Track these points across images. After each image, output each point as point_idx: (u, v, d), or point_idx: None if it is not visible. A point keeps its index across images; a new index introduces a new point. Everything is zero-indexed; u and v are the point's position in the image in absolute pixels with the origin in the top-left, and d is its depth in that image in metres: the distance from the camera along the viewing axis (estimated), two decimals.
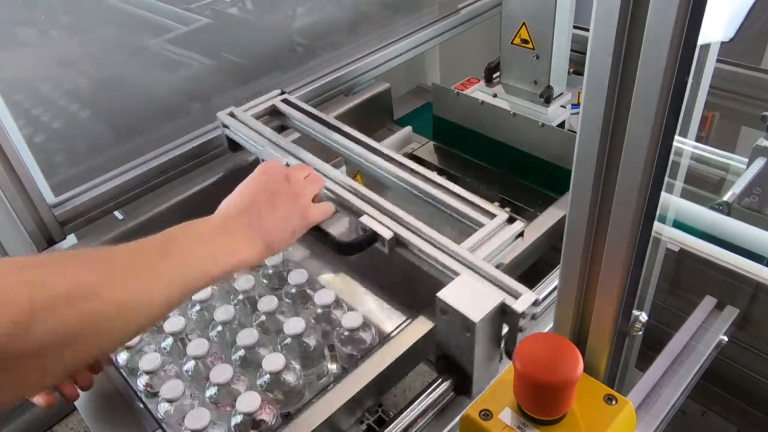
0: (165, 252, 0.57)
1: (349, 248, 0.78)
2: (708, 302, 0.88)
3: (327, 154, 0.93)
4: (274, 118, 1.06)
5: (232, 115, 1.02)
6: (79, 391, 0.72)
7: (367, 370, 0.72)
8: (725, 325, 0.85)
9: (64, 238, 0.97)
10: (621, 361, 0.59)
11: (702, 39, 0.38)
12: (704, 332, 0.84)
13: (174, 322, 0.77)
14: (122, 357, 0.77)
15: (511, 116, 1.10)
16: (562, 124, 1.16)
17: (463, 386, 0.72)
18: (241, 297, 0.82)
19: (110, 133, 1.06)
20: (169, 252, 0.57)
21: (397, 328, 0.79)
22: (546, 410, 0.52)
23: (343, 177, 0.86)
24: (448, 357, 0.72)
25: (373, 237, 0.78)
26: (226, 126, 1.02)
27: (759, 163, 0.97)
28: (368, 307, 0.90)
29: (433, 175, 0.86)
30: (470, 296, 0.67)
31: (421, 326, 0.78)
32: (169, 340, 0.78)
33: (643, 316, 0.55)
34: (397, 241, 0.78)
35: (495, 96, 1.22)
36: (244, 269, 0.66)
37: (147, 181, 1.04)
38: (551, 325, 0.62)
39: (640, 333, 0.56)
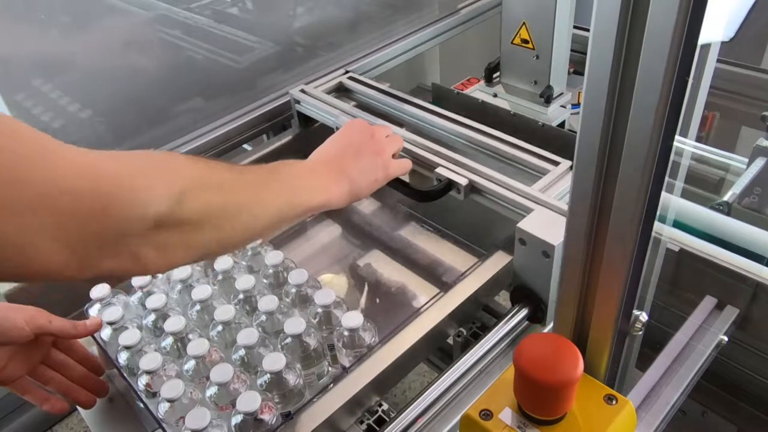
0: (275, 175, 0.67)
1: (428, 196, 0.89)
2: (708, 302, 0.88)
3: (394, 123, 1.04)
4: (342, 93, 1.17)
5: (303, 91, 1.13)
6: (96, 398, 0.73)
7: (367, 370, 0.72)
8: (725, 325, 0.85)
9: None
10: (621, 361, 0.59)
11: (702, 39, 0.38)
12: (704, 332, 0.84)
13: (174, 322, 0.77)
14: (122, 357, 0.77)
15: (511, 116, 1.10)
16: (562, 124, 1.16)
17: (537, 315, 0.80)
18: (241, 297, 0.82)
19: (110, 134, 1.06)
20: (277, 175, 0.67)
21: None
22: (546, 410, 0.52)
23: (416, 137, 0.96)
24: (524, 287, 0.81)
25: (450, 185, 0.87)
26: (297, 101, 1.12)
27: (759, 163, 0.98)
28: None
29: (498, 132, 0.96)
30: (547, 225, 0.75)
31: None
32: (169, 340, 0.77)
33: (643, 316, 0.55)
34: (472, 187, 0.87)
35: (495, 96, 1.22)
36: (333, 207, 0.73)
37: None
38: (551, 325, 0.62)
39: (640, 333, 0.56)
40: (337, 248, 1.04)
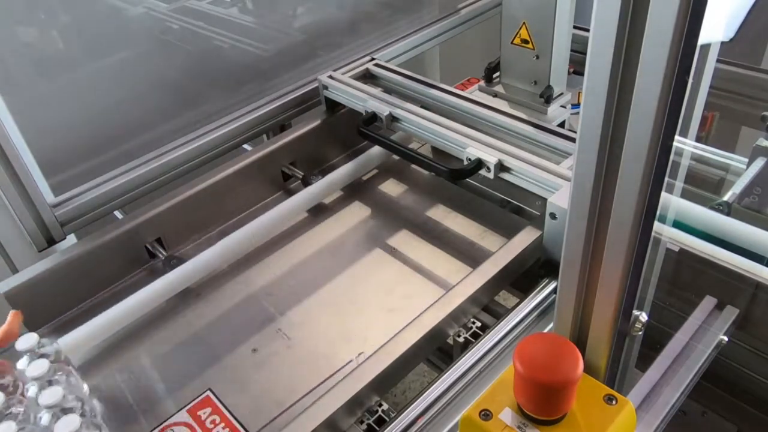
0: None
1: (459, 174, 0.93)
2: (708, 302, 0.88)
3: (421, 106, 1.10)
4: (369, 79, 1.22)
5: (331, 77, 1.17)
6: None
7: (367, 370, 0.72)
8: (725, 325, 0.84)
9: (64, 238, 0.97)
10: (621, 361, 0.59)
11: (702, 39, 0.38)
12: (704, 332, 0.84)
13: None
14: None
15: None
16: (562, 124, 1.16)
17: None
18: None
19: (110, 134, 1.06)
20: None
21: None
22: (546, 410, 0.52)
23: (443, 119, 1.02)
24: (552, 261, 0.85)
25: (480, 164, 0.91)
26: (325, 87, 1.16)
27: (759, 163, 0.97)
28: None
29: (522, 115, 1.01)
30: None
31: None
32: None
33: (643, 316, 0.55)
34: (502, 165, 0.91)
35: (495, 96, 1.22)
36: None
37: (147, 181, 1.04)
38: (551, 325, 0.62)
39: (640, 333, 0.56)
40: (366, 228, 1.07)
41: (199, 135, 1.10)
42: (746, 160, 1.00)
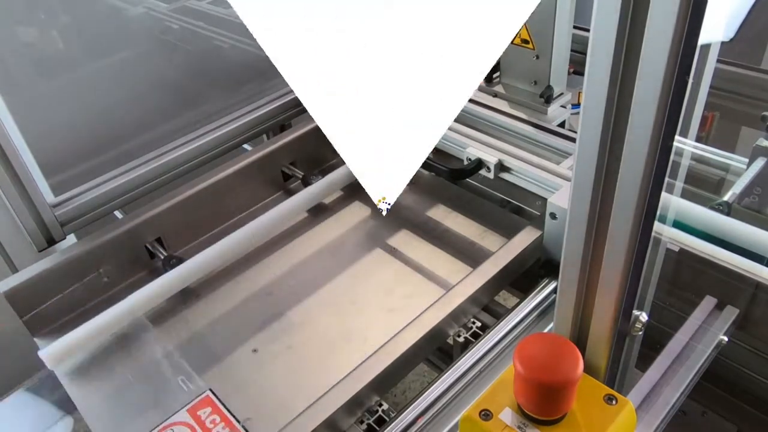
0: None
1: (459, 174, 0.95)
2: (708, 302, 0.88)
3: None
4: None
5: None
6: None
7: (367, 370, 0.72)
8: (725, 325, 0.84)
9: (64, 238, 0.97)
10: (621, 361, 0.59)
11: (702, 39, 0.38)
12: (704, 332, 0.84)
13: None
14: None
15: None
16: (562, 124, 1.16)
17: None
18: None
19: (110, 134, 1.06)
20: None
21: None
22: (546, 410, 0.52)
23: None
24: (553, 261, 0.86)
25: (480, 164, 0.92)
26: None
27: (759, 163, 0.97)
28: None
29: (522, 115, 1.03)
30: None
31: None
32: None
33: (643, 316, 0.55)
34: (502, 165, 0.91)
35: (495, 96, 1.22)
36: None
37: (147, 181, 1.04)
38: (551, 325, 0.62)
39: (640, 333, 0.56)
40: (366, 228, 1.07)
41: (199, 135, 1.10)
42: (746, 160, 1.00)
